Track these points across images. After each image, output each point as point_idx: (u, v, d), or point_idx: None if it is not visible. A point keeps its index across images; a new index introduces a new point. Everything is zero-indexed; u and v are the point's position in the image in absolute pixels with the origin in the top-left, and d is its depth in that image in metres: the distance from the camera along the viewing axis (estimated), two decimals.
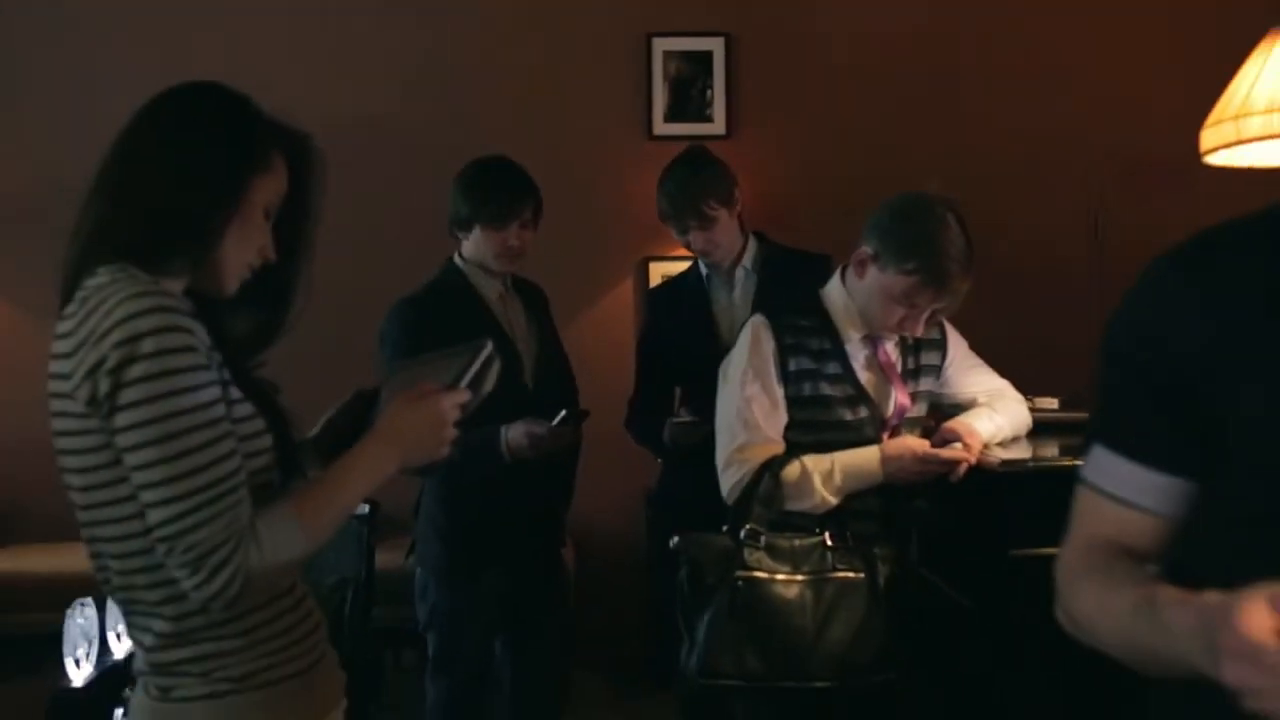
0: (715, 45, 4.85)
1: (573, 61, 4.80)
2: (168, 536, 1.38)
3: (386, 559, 3.23)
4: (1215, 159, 2.80)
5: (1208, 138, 2.75)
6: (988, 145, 4.70)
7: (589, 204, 4.56)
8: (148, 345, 1.36)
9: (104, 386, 1.37)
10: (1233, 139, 2.63)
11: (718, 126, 4.83)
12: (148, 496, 1.38)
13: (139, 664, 1.53)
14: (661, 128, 4.83)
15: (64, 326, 1.44)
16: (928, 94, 4.80)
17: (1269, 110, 2.59)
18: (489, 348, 1.63)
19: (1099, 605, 1.06)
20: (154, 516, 1.38)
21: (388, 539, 3.35)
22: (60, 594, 4.16)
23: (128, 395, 1.36)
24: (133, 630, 1.52)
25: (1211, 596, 0.89)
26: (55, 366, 1.44)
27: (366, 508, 3.13)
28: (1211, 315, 1.05)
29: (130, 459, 1.38)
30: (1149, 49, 4.70)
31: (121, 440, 1.38)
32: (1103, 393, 1.16)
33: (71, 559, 4.32)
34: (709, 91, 4.87)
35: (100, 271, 1.44)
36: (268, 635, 1.50)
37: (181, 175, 1.51)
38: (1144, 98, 4.60)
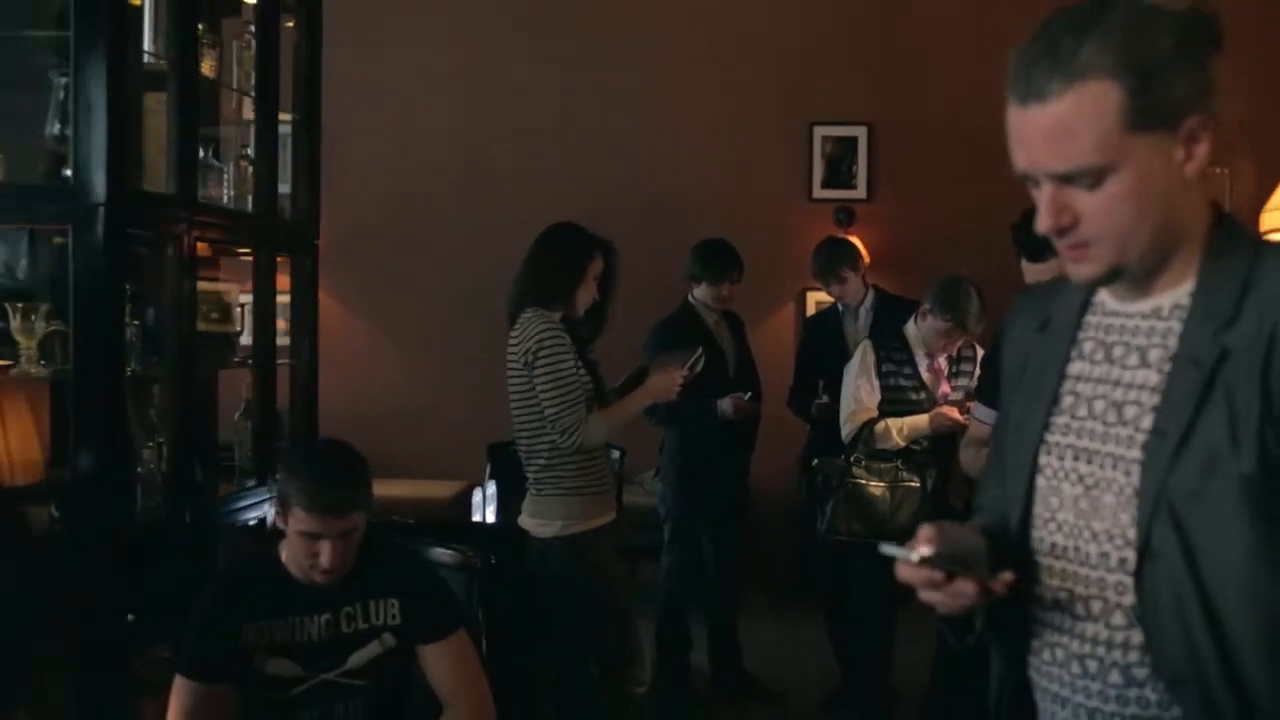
0: (860, 132, 6.48)
1: (756, 144, 6.47)
2: (553, 419, 3.25)
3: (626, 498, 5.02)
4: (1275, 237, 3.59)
5: (1266, 220, 3.64)
6: None
7: (765, 249, 6.03)
8: (547, 342, 3.26)
9: (530, 359, 3.26)
10: None
11: (860, 192, 6.49)
12: (545, 402, 3.26)
13: (529, 483, 3.41)
14: (818, 193, 6.51)
15: (514, 335, 3.34)
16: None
17: None
18: (699, 351, 3.58)
19: (967, 459, 2.81)
20: (548, 412, 3.26)
21: (626, 482, 5.16)
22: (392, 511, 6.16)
23: (539, 362, 3.26)
24: (528, 466, 3.40)
25: None
26: (509, 354, 3.33)
27: (618, 453, 4.98)
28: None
29: (539, 388, 3.26)
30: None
31: (536, 381, 3.28)
32: (983, 374, 2.92)
33: (390, 489, 6.27)
34: (854, 166, 6.51)
35: (527, 310, 3.33)
36: (586, 470, 3.36)
37: (562, 265, 3.40)
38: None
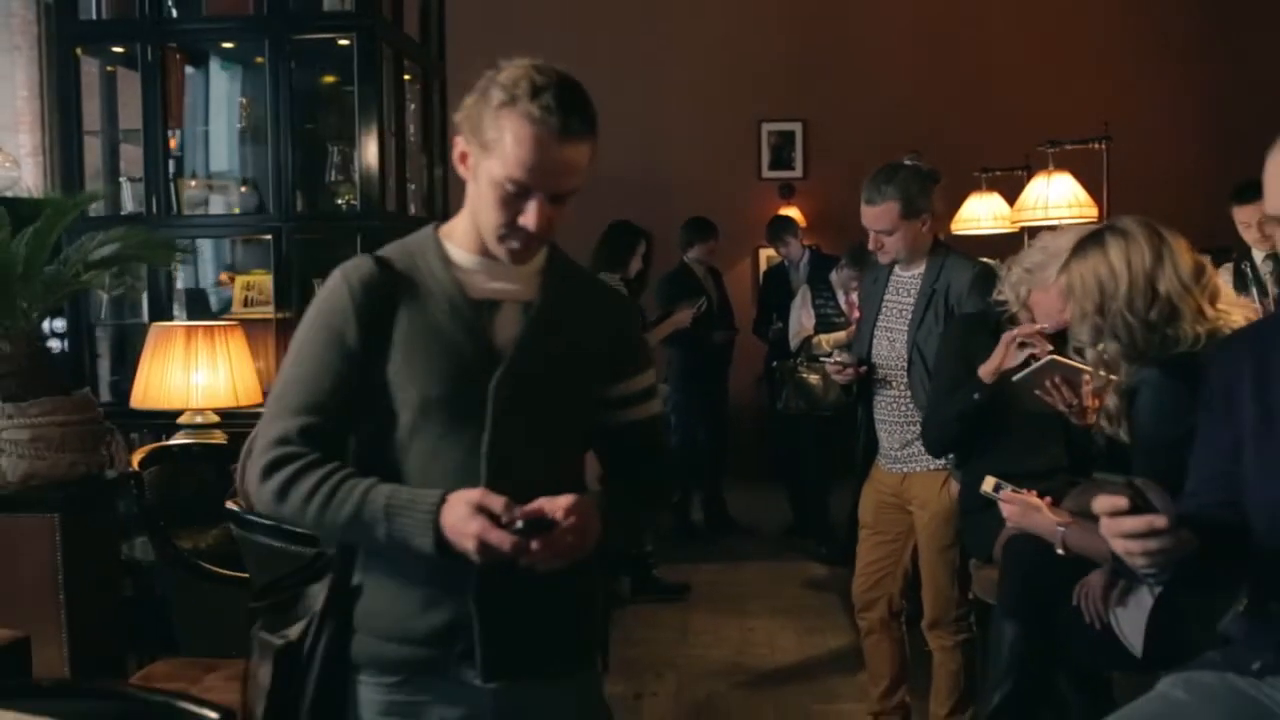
0: (797, 127, 8.59)
1: (719, 137, 8.51)
2: None
3: None
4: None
5: (954, 226, 6.10)
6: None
7: (728, 217, 8.02)
8: None
9: None
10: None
11: (798, 172, 8.59)
12: None
13: None
14: (766, 173, 8.61)
15: None
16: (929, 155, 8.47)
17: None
18: (703, 299, 5.75)
19: None
20: None
21: None
22: None
23: None
24: None
25: None
26: None
27: None
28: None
29: None
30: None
31: None
32: None
33: None
34: (793, 153, 8.63)
35: (601, 274, 5.40)
36: None
37: (621, 246, 5.53)
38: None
